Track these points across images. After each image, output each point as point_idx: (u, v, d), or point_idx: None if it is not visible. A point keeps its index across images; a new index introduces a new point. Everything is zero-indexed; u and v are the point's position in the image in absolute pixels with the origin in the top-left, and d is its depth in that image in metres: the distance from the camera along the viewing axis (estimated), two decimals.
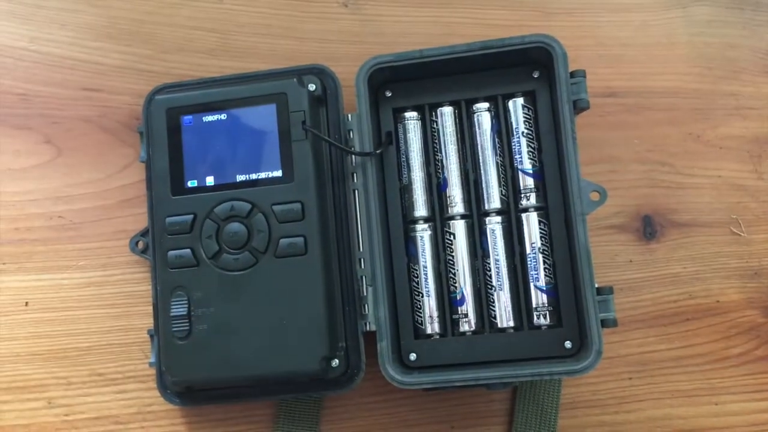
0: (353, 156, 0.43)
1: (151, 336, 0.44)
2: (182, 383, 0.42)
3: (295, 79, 0.43)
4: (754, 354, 0.46)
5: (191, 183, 0.43)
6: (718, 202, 0.48)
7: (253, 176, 0.42)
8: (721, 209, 0.48)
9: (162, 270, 0.42)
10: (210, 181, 0.42)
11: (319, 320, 0.40)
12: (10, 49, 0.50)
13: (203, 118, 0.43)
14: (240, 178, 0.42)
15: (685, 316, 0.46)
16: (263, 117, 0.43)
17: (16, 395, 0.46)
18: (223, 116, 0.43)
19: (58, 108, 0.49)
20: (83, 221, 0.48)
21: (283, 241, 0.41)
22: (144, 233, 0.46)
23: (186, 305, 0.41)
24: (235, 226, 0.42)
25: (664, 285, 0.46)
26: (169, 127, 0.43)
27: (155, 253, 0.43)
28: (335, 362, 0.41)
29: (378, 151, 0.43)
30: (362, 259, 0.43)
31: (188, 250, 0.42)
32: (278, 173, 0.42)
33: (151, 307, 0.44)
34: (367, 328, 0.42)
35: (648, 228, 0.47)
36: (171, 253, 0.42)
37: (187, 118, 0.43)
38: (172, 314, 0.41)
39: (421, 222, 0.44)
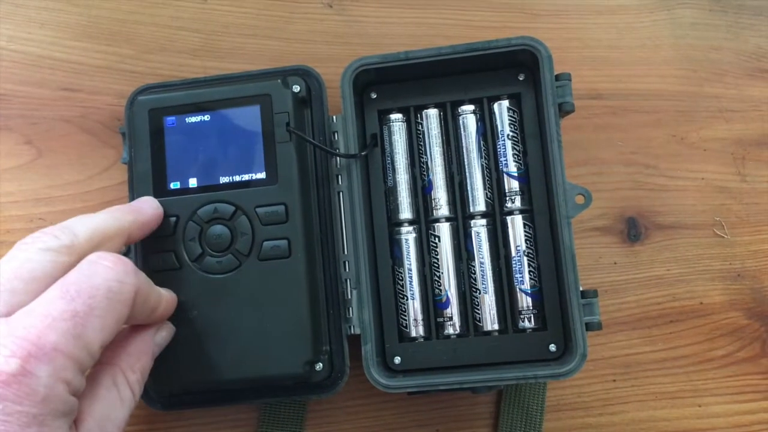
0: (338, 158, 0.43)
1: None
2: (164, 387, 0.41)
3: (279, 81, 0.42)
4: (737, 356, 0.46)
5: (174, 185, 0.42)
6: (701, 204, 0.48)
7: (237, 178, 0.42)
8: (705, 211, 0.48)
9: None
10: (193, 183, 0.42)
11: (303, 323, 0.40)
12: None
13: (186, 119, 0.42)
14: (223, 179, 0.42)
15: (669, 318, 0.46)
16: (247, 118, 0.42)
17: None
18: (206, 117, 0.42)
19: (37, 108, 0.48)
20: None
21: (266, 243, 0.41)
22: None
23: None
24: (218, 229, 0.41)
25: (648, 287, 0.47)
26: (152, 128, 0.42)
27: (137, 255, 0.42)
28: (319, 366, 0.41)
29: (363, 153, 0.42)
30: (346, 262, 0.43)
31: (171, 253, 0.41)
32: (262, 175, 0.41)
33: None
34: (352, 332, 0.42)
35: (632, 230, 0.47)
36: (153, 255, 0.41)
37: (170, 119, 0.42)
38: None
39: (406, 224, 0.43)
